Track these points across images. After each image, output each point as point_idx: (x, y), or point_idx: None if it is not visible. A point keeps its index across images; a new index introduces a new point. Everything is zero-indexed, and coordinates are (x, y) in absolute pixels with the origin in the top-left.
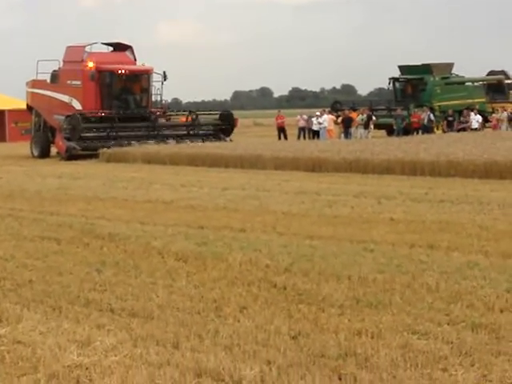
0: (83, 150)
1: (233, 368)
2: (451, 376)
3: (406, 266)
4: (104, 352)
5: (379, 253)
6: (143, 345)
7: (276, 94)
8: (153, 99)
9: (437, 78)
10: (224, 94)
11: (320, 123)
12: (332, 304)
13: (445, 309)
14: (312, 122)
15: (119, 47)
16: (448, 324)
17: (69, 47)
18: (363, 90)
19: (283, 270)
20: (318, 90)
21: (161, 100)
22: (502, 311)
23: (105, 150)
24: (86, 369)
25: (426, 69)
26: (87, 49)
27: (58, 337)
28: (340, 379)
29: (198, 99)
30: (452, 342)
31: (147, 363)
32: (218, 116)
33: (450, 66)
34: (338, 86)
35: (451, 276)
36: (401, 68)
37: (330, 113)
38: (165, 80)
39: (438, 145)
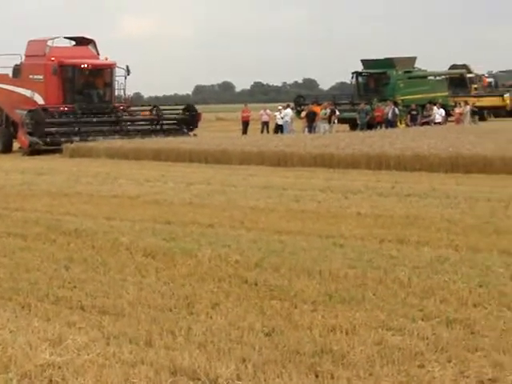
0: (46, 144)
1: (208, 366)
2: (428, 372)
3: (377, 261)
4: (76, 351)
5: (349, 248)
6: (116, 343)
7: (238, 89)
8: (116, 94)
9: (400, 72)
10: (186, 89)
11: (283, 118)
12: (304, 300)
13: (418, 304)
14: (276, 116)
15: (82, 41)
16: (422, 320)
17: (31, 41)
18: (325, 84)
19: (253, 265)
20: (279, 84)
21: (124, 95)
22: (475, 306)
23: (68, 144)
24: (59, 368)
25: (389, 63)
26: (49, 43)
27: (29, 335)
28: (317, 376)
29: (160, 94)
30: (427, 338)
31: (121, 362)
32: (181, 111)
33: (412, 59)
34: (300, 80)
35: (423, 271)
36: (364, 62)
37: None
38: (128, 74)
39: (402, 139)
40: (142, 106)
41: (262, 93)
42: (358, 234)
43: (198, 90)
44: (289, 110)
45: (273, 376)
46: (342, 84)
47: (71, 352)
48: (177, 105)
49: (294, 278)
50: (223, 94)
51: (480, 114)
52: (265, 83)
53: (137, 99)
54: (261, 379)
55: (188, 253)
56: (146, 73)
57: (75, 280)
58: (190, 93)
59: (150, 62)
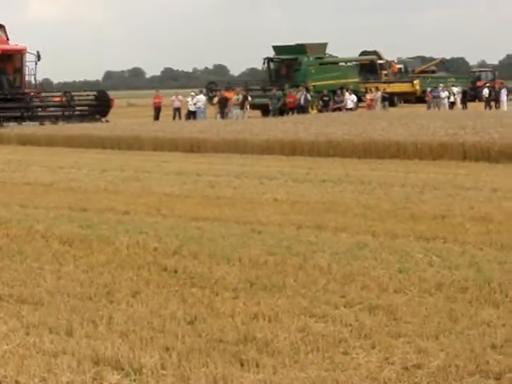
0: None
1: (132, 355)
2: (353, 359)
3: (296, 248)
4: None
5: (267, 234)
6: (36, 333)
7: (148, 75)
8: (27, 79)
9: (311, 58)
10: (95, 75)
11: (195, 104)
12: (225, 287)
13: (339, 290)
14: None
15: None
16: (344, 306)
17: None
18: (235, 70)
19: (172, 252)
20: (190, 70)
21: (35, 80)
22: (396, 292)
23: None
24: None
25: (300, 49)
26: None
27: None
28: (242, 365)
29: (69, 79)
30: (350, 325)
31: (42, 352)
32: (93, 96)
33: (323, 46)
34: (211, 66)
35: (342, 257)
36: (275, 48)
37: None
38: (39, 60)
39: (315, 125)
40: (52, 92)
41: (172, 79)
42: (275, 220)
43: (108, 75)
44: (202, 96)
45: (198, 365)
46: (253, 70)
47: None
48: (88, 91)
49: (213, 265)
50: (133, 80)
51: (390, 100)
52: (175, 69)
53: (46, 85)
54: (186, 368)
55: (105, 240)
56: (55, 58)
57: None
58: (100, 79)
59: (58, 48)
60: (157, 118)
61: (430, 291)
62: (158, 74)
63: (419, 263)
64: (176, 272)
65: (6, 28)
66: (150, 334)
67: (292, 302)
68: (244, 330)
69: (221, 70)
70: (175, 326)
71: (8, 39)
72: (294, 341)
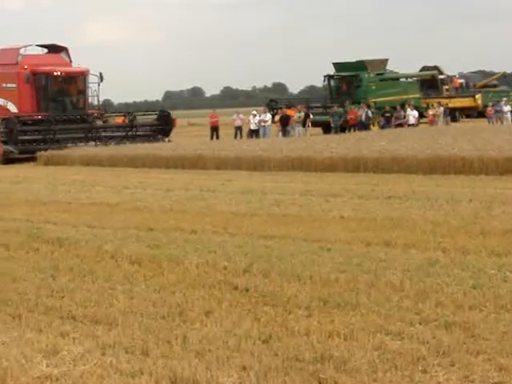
0: (20, 153)
1: (209, 375)
2: (432, 378)
3: (367, 265)
4: (72, 361)
5: (336, 252)
6: (112, 353)
7: (208, 94)
8: (89, 101)
9: (371, 75)
10: (155, 95)
11: (265, 121)
12: (298, 305)
13: (414, 308)
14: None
15: (54, 49)
16: (420, 323)
17: (3, 50)
18: (294, 88)
19: (242, 271)
20: (249, 88)
21: (98, 101)
22: (471, 308)
23: (42, 152)
24: (57, 380)
25: (361, 65)
26: (22, 51)
27: (22, 347)
28: None
29: (130, 100)
30: (428, 342)
31: (119, 372)
32: (155, 116)
33: (384, 62)
34: (270, 85)
35: (414, 274)
36: (335, 65)
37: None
38: (101, 81)
39: (378, 141)
40: (114, 112)
41: (231, 97)
42: (343, 237)
43: (168, 95)
44: (268, 114)
45: None
46: (311, 87)
47: (67, 363)
48: (149, 111)
49: (284, 284)
50: (193, 99)
51: (452, 114)
52: (234, 88)
53: (107, 106)
54: None
55: (174, 260)
56: (116, 79)
57: (63, 289)
58: (160, 99)
59: (119, 69)
60: (217, 137)
61: (506, 307)
62: (218, 92)
63: (493, 279)
64: (247, 291)
65: (69, 50)
66: (226, 354)
67: (366, 320)
68: (320, 349)
69: (280, 87)
70: (251, 345)
71: (71, 61)
72: (371, 359)
